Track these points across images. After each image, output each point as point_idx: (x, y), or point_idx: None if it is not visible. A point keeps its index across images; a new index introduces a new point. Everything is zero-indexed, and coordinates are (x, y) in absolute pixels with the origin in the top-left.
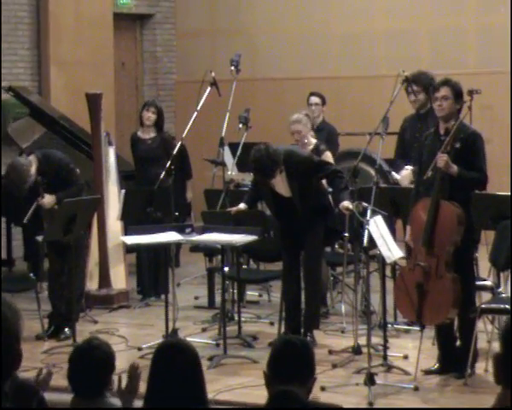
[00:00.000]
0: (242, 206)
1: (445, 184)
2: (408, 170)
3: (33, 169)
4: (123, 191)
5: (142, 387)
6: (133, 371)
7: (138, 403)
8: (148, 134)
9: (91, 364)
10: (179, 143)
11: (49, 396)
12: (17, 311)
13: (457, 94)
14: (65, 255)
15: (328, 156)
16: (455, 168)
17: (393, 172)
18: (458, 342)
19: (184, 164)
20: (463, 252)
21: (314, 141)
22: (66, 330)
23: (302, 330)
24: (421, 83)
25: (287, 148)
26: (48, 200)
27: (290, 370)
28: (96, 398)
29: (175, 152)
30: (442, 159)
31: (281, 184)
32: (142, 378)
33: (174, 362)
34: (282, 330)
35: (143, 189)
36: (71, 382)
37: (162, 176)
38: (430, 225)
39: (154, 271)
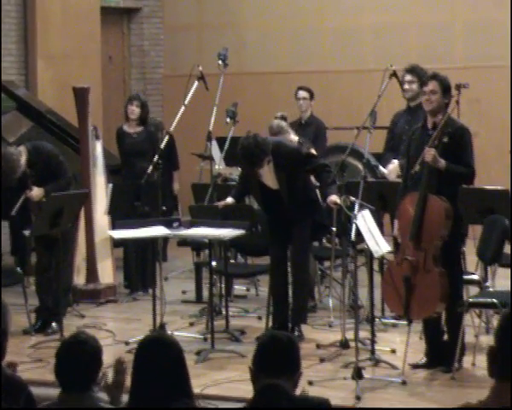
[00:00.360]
0: (230, 200)
1: (433, 178)
2: (395, 164)
3: (23, 159)
4: (110, 186)
5: (129, 381)
6: (119, 366)
7: (125, 397)
8: (134, 128)
9: (79, 359)
10: (166, 136)
11: (36, 391)
12: (4, 305)
13: (445, 88)
14: (52, 249)
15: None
16: (442, 162)
17: (380, 167)
18: (446, 337)
19: (171, 155)
20: (451, 246)
21: (296, 138)
22: (54, 324)
23: (289, 325)
24: (416, 74)
25: (275, 139)
26: (36, 192)
27: (276, 365)
28: (83, 393)
29: (162, 146)
30: (429, 153)
31: (268, 176)
32: (128, 373)
33: (156, 357)
34: (270, 324)
35: (131, 183)
36: (58, 377)
37: (149, 170)
38: (418, 219)
39: (141, 265)
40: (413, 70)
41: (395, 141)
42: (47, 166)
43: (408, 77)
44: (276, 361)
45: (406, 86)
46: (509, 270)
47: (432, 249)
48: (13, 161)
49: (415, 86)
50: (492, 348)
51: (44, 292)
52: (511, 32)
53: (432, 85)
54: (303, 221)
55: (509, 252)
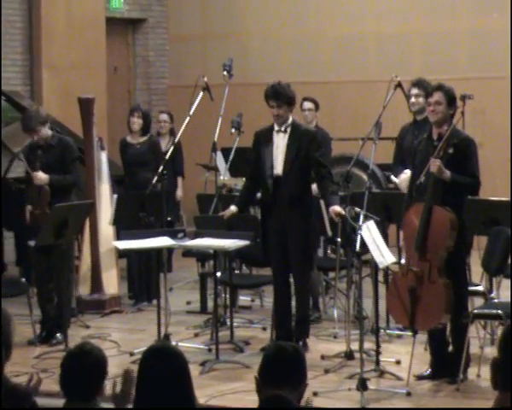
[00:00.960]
0: (233, 208)
1: (438, 189)
2: (407, 174)
3: (48, 125)
4: (115, 196)
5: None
6: (127, 377)
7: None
8: (137, 139)
9: (83, 369)
10: (171, 147)
11: (40, 401)
12: (8, 315)
13: (450, 99)
14: (51, 260)
15: None
16: (447, 173)
17: (392, 176)
18: (450, 348)
19: (177, 161)
20: (456, 257)
21: None
22: (58, 335)
23: (294, 338)
24: (423, 87)
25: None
26: (40, 175)
27: (281, 375)
28: (87, 403)
29: (167, 157)
30: (435, 164)
31: (281, 143)
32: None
33: (160, 367)
34: (275, 335)
35: (135, 193)
36: (63, 386)
37: (154, 181)
38: (423, 230)
39: (146, 276)
40: (419, 83)
41: (404, 155)
42: (61, 156)
43: (414, 90)
44: (281, 372)
45: (413, 100)
46: None
47: (437, 260)
48: (38, 109)
49: (421, 100)
50: (496, 359)
51: (46, 303)
52: (511, 43)
53: (437, 96)
54: (301, 232)
55: None
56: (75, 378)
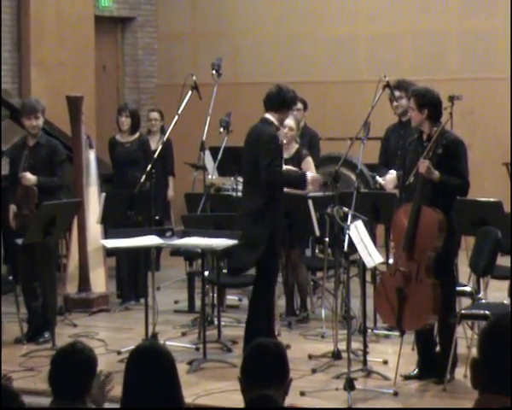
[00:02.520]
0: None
1: (427, 189)
2: (392, 174)
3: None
4: (103, 195)
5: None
6: (98, 381)
7: (116, 407)
8: (126, 138)
9: (73, 367)
10: (160, 146)
11: (27, 400)
12: None
13: (421, 104)
14: (36, 258)
15: (309, 162)
16: (436, 174)
17: (378, 177)
18: (438, 348)
19: (167, 161)
20: (444, 258)
21: (296, 145)
22: (46, 333)
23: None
24: (403, 88)
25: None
26: (29, 176)
27: (265, 374)
28: (75, 402)
29: (156, 156)
30: (424, 165)
31: None
32: (120, 382)
33: (148, 366)
34: None
35: (124, 192)
36: (51, 383)
37: (142, 179)
38: (411, 230)
39: (133, 274)
40: (400, 85)
41: (389, 156)
42: (50, 157)
43: (396, 93)
44: (264, 370)
45: (395, 103)
46: (501, 282)
47: (425, 261)
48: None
49: (403, 102)
50: (475, 359)
51: (32, 301)
52: (511, 45)
53: (410, 102)
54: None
55: (502, 264)
56: (64, 376)
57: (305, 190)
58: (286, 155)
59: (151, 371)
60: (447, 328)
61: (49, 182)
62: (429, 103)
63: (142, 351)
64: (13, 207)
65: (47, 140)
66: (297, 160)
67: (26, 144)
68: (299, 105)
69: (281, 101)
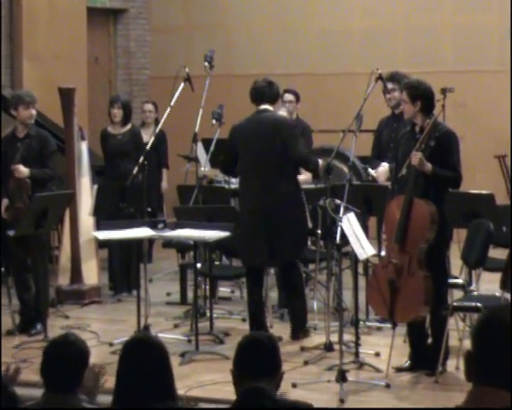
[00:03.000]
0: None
1: (419, 182)
2: (384, 166)
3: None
4: (95, 187)
5: (113, 382)
6: (90, 373)
7: (108, 398)
8: (118, 130)
9: (66, 359)
10: (152, 138)
11: (19, 391)
12: None
13: (414, 96)
14: (28, 250)
15: None
16: (429, 166)
17: (370, 169)
18: (430, 340)
19: (161, 153)
20: (436, 250)
21: None
22: (38, 325)
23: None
24: (396, 81)
25: None
26: (22, 169)
27: (257, 366)
28: (67, 394)
29: (148, 147)
30: (416, 157)
31: None
32: (112, 374)
33: (142, 358)
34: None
35: (116, 184)
36: (43, 375)
37: (135, 171)
38: (403, 222)
39: (126, 266)
40: (392, 78)
41: (381, 148)
42: (40, 149)
43: (389, 85)
44: (257, 362)
45: (388, 95)
46: (493, 274)
47: (416, 253)
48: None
49: (396, 94)
50: (469, 352)
51: (24, 292)
52: (511, 38)
53: (403, 94)
54: None
55: (493, 256)
56: (56, 368)
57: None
58: None
59: (144, 363)
60: (439, 320)
61: (42, 174)
62: (422, 96)
63: (135, 343)
64: (5, 201)
65: (37, 131)
66: None
67: (15, 136)
68: (292, 97)
69: (275, 94)
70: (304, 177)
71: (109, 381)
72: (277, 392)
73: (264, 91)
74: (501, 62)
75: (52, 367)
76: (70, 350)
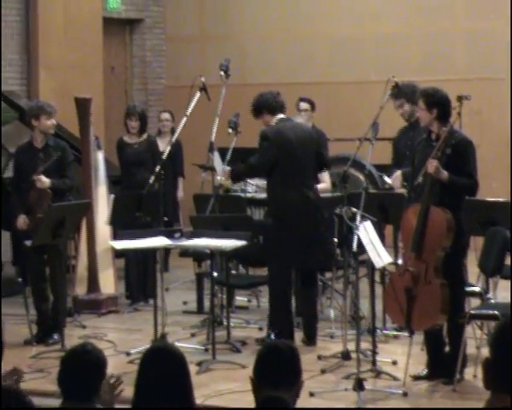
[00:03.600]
0: None
1: (436, 189)
2: (397, 173)
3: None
4: (112, 196)
5: (131, 392)
6: (104, 387)
7: (127, 408)
8: (134, 139)
9: (83, 367)
10: (168, 147)
11: (36, 401)
12: None
13: (430, 103)
14: (46, 260)
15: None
16: (445, 174)
17: (385, 177)
18: (447, 348)
19: (177, 161)
20: (452, 258)
21: None
22: (55, 335)
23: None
24: (401, 95)
25: None
26: (44, 179)
27: (277, 375)
28: (84, 403)
29: (165, 157)
30: (432, 165)
31: None
32: (130, 383)
33: (161, 367)
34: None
35: (132, 193)
36: (61, 384)
37: (151, 180)
38: (419, 230)
39: (142, 276)
40: (397, 94)
41: (399, 156)
42: (60, 159)
43: (396, 103)
44: (276, 371)
45: (399, 110)
46: (509, 282)
47: (433, 261)
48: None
49: (406, 107)
50: (487, 359)
51: (42, 302)
52: (511, 45)
53: (419, 102)
54: None
55: (510, 264)
56: (74, 376)
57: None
58: None
59: (164, 372)
60: (456, 328)
61: (61, 184)
62: (438, 103)
63: (155, 352)
64: (23, 217)
65: (55, 142)
66: None
67: (33, 147)
68: (307, 106)
69: (283, 104)
70: (323, 185)
71: (127, 390)
72: (296, 402)
73: (277, 102)
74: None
75: (70, 377)
76: (87, 359)
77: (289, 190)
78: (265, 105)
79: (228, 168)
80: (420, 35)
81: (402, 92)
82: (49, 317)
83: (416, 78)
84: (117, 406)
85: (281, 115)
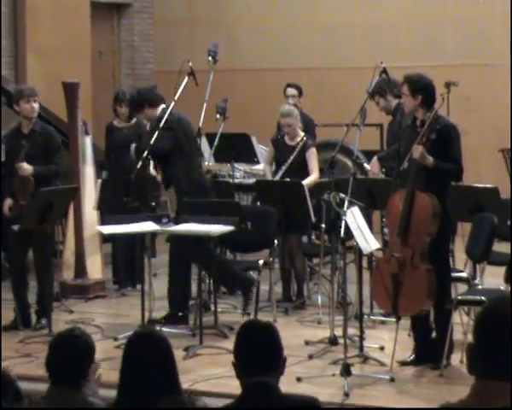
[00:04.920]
0: None
1: (421, 175)
2: (374, 158)
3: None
4: (99, 181)
5: (117, 377)
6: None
7: (113, 392)
8: (124, 123)
9: (71, 352)
10: (156, 131)
11: (23, 386)
12: None
13: (414, 89)
14: (29, 245)
15: (313, 153)
16: (430, 160)
17: (365, 164)
18: (434, 334)
19: None
20: (438, 243)
21: (302, 134)
22: (43, 320)
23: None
24: (374, 95)
25: None
26: (26, 166)
27: (258, 357)
28: (72, 388)
29: (152, 142)
30: (417, 150)
31: None
32: (117, 368)
33: (146, 352)
34: None
35: (120, 178)
36: (49, 369)
37: (139, 165)
38: (405, 215)
39: (130, 261)
40: (371, 95)
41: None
42: (45, 145)
43: (374, 101)
44: (257, 353)
45: (378, 108)
46: (497, 268)
47: (419, 246)
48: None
49: (382, 102)
50: (470, 345)
51: (20, 288)
52: (511, 32)
53: (403, 88)
54: None
55: (498, 250)
56: (62, 361)
57: None
58: (292, 142)
59: (148, 357)
60: (442, 314)
61: (46, 170)
62: (423, 89)
63: (139, 337)
64: (8, 201)
65: (42, 127)
66: (302, 148)
67: (20, 132)
68: (294, 91)
69: (161, 96)
70: (312, 178)
71: (113, 375)
72: (279, 379)
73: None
74: (505, 56)
75: (58, 361)
76: (76, 344)
77: (194, 172)
78: (146, 99)
79: None
80: (409, 21)
81: (374, 94)
82: (28, 304)
83: (404, 63)
84: (102, 390)
85: (163, 106)
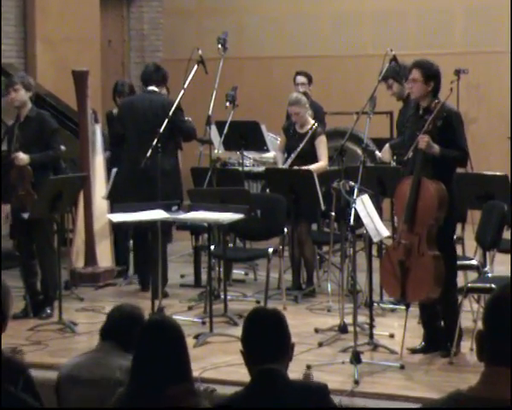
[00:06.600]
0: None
1: (427, 162)
2: (386, 146)
3: (30, 95)
4: (114, 170)
5: None
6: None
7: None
8: None
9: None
10: (166, 120)
11: (34, 373)
12: (6, 288)
13: (427, 76)
14: (32, 234)
15: (322, 141)
16: (436, 149)
17: (376, 151)
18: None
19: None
20: (444, 230)
21: (312, 121)
22: (48, 309)
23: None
24: (389, 76)
25: None
26: (22, 156)
27: (265, 344)
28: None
29: (161, 130)
30: (423, 140)
31: None
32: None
33: (159, 339)
34: None
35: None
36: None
37: (148, 154)
38: (411, 203)
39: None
40: (384, 77)
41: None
42: (40, 131)
43: (387, 84)
44: (265, 340)
45: (390, 92)
46: (507, 255)
47: (425, 233)
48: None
49: (395, 87)
50: (480, 331)
51: (29, 277)
52: (511, 19)
53: (414, 73)
54: None
55: (507, 238)
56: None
57: None
58: (302, 130)
59: (161, 345)
60: (450, 301)
61: (44, 157)
62: (435, 76)
63: (152, 324)
64: (6, 208)
65: (37, 113)
66: (311, 136)
67: (18, 121)
68: (304, 79)
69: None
70: (319, 164)
71: None
72: (288, 365)
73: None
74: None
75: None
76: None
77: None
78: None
79: None
80: (418, 9)
81: (387, 77)
82: (38, 291)
83: (414, 51)
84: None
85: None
